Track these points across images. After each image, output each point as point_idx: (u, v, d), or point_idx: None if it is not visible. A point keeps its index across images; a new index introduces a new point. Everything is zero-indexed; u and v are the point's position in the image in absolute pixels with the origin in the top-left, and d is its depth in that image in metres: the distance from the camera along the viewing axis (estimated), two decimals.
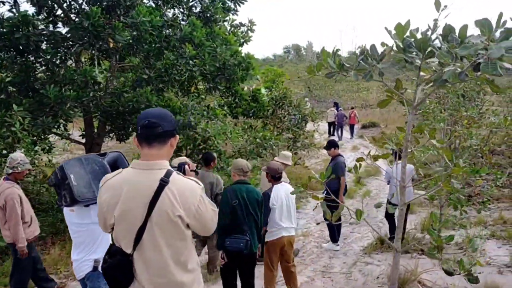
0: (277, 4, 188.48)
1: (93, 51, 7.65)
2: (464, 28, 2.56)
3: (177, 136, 2.11)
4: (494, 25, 2.19)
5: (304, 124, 13.39)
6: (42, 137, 7.95)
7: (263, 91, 12.13)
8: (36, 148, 8.82)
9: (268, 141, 8.72)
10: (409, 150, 3.49)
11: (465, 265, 2.62)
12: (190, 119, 7.67)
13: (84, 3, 8.02)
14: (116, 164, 3.59)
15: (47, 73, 7.94)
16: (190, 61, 7.27)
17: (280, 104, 12.33)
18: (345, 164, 7.15)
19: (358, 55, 2.96)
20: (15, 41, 6.61)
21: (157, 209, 1.93)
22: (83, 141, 9.24)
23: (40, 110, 7.01)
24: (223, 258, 4.51)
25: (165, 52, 7.13)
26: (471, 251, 2.76)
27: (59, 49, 7.61)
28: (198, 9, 8.88)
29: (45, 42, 7.61)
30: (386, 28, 3.10)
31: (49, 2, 7.66)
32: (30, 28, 6.71)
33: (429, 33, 2.87)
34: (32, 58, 7.61)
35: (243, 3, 9.76)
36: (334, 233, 6.96)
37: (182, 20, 8.56)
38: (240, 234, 4.39)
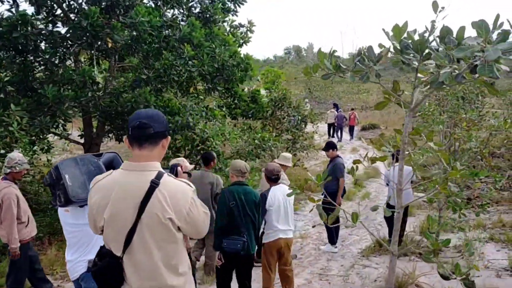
0: (277, 5, 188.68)
1: (92, 51, 7.63)
2: (462, 29, 2.54)
3: (169, 137, 2.08)
4: (491, 26, 2.16)
5: (304, 126, 13.37)
6: (41, 137, 7.94)
7: (262, 92, 12.11)
8: (35, 148, 8.82)
9: (267, 142, 8.69)
10: (406, 152, 3.46)
11: (461, 269, 2.59)
12: (189, 120, 7.64)
13: (83, 3, 8.01)
14: (112, 165, 3.57)
15: (46, 72, 7.92)
16: (189, 62, 7.25)
17: (280, 105, 12.31)
18: (344, 165, 7.13)
19: (355, 56, 2.94)
20: (13, 40, 6.59)
21: (147, 212, 1.90)
22: (82, 141, 9.22)
23: (38, 110, 6.99)
24: (220, 259, 4.50)
25: (163, 53, 7.10)
26: (467, 255, 2.72)
27: (58, 49, 7.59)
28: (198, 9, 8.86)
29: (44, 42, 7.60)
30: (383, 30, 3.08)
31: (48, 1, 7.64)
32: (28, 28, 6.68)
33: (426, 34, 2.85)
34: (31, 58, 7.58)
35: (242, 4, 9.73)
36: (333, 235, 6.94)
37: (182, 20, 8.54)
38: (237, 236, 4.39)
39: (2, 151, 6.35)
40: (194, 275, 5.00)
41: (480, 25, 2.16)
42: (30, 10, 7.67)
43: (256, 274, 5.13)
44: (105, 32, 6.86)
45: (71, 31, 7.05)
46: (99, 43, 7.38)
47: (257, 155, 8.85)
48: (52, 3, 7.79)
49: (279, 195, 4.87)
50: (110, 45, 7.06)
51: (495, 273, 5.59)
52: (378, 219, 8.43)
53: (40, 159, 9.81)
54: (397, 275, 5.20)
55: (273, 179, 4.96)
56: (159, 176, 1.93)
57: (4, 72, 7.82)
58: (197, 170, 6.74)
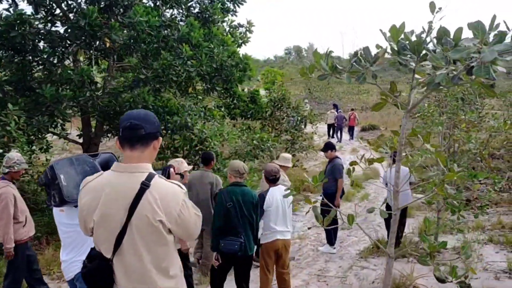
0: (277, 5, 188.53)
1: (91, 51, 7.62)
2: (459, 30, 2.52)
3: (161, 138, 2.05)
4: (487, 27, 2.14)
5: (304, 126, 13.35)
6: (39, 136, 7.92)
7: (262, 92, 12.10)
8: (34, 147, 8.81)
9: (266, 142, 8.66)
10: (404, 154, 3.44)
11: (457, 272, 2.56)
12: (187, 120, 7.63)
13: (82, 3, 8.00)
14: (108, 165, 3.52)
15: (45, 72, 7.92)
16: (188, 62, 7.23)
17: (279, 105, 12.29)
18: (343, 166, 7.11)
19: (352, 57, 2.91)
20: (11, 40, 6.58)
21: (137, 213, 1.87)
22: (81, 141, 9.22)
23: (36, 110, 6.99)
24: (217, 259, 4.49)
25: (162, 53, 7.09)
26: (464, 258, 2.70)
27: (56, 49, 7.59)
28: (197, 9, 8.85)
29: (42, 41, 7.59)
30: (381, 30, 3.05)
31: (47, 1, 7.63)
32: (26, 27, 6.67)
33: (423, 35, 2.83)
34: (30, 57, 7.58)
35: (242, 4, 9.72)
36: (331, 236, 6.92)
37: (181, 20, 8.53)
38: (234, 236, 4.38)
39: (0, 151, 6.34)
40: (191, 276, 4.99)
41: (476, 26, 2.14)
42: (29, 10, 7.69)
43: (254, 275, 5.11)
44: (103, 32, 6.85)
45: (69, 30, 7.03)
46: (98, 42, 7.38)
47: (256, 156, 8.83)
48: (51, 2, 7.78)
49: (278, 196, 4.85)
50: (108, 44, 7.05)
51: (494, 275, 5.56)
52: (377, 220, 8.40)
53: (39, 159, 9.79)
54: (395, 277, 5.18)
55: (271, 179, 4.94)
56: (149, 177, 1.91)
57: (2, 71, 7.82)
58: (196, 170, 6.73)
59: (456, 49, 2.20)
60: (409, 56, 2.85)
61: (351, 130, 20.63)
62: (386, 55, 3.05)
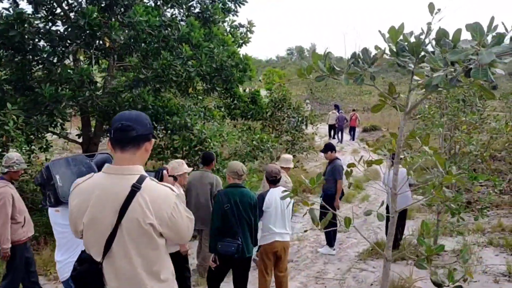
0: (278, 5, 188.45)
1: (91, 50, 7.60)
2: (458, 32, 2.49)
3: (153, 140, 2.02)
4: (485, 29, 2.11)
5: (305, 127, 13.32)
6: (39, 136, 7.91)
7: (263, 92, 12.07)
8: (33, 147, 8.80)
9: (265, 143, 8.63)
10: (402, 156, 3.41)
11: (454, 276, 2.53)
12: (187, 120, 7.61)
13: (83, 2, 7.98)
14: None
15: (45, 71, 7.91)
16: (188, 62, 7.21)
17: (279, 106, 12.26)
18: (343, 167, 7.08)
19: (349, 58, 2.89)
20: (10, 39, 6.57)
21: (127, 216, 1.84)
22: (80, 140, 9.20)
23: (35, 109, 6.97)
24: (215, 261, 4.48)
25: (162, 52, 7.07)
26: (462, 262, 2.67)
27: (56, 48, 7.57)
28: (197, 9, 8.83)
29: (42, 41, 7.58)
30: (379, 31, 3.03)
31: (47, 0, 7.63)
32: (26, 26, 6.66)
33: (422, 36, 2.80)
34: (30, 57, 7.57)
35: (243, 4, 9.69)
36: (331, 237, 6.90)
37: (181, 20, 8.51)
38: (232, 238, 4.36)
39: None
40: (189, 279, 4.98)
41: (474, 28, 2.11)
42: (30, 9, 7.68)
43: (253, 276, 5.08)
44: (103, 31, 6.83)
45: (69, 29, 7.02)
46: (98, 42, 7.36)
47: (255, 157, 8.80)
48: (52, 1, 7.77)
49: (277, 197, 4.82)
50: (108, 44, 7.03)
51: (493, 278, 5.52)
52: (376, 222, 8.36)
53: (38, 158, 9.78)
54: (393, 280, 5.15)
55: (271, 180, 4.93)
56: (140, 180, 1.88)
57: (2, 70, 7.81)
58: (196, 170, 6.71)
59: (453, 51, 2.17)
60: (407, 57, 2.82)
61: (352, 130, 20.59)
62: (385, 56, 3.03)
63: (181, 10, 8.94)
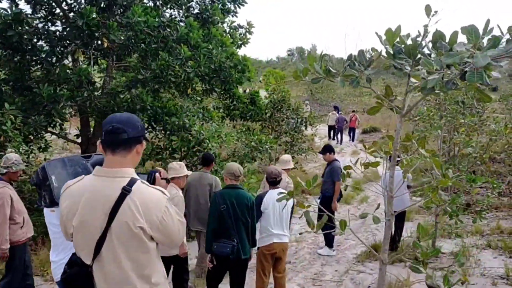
0: (278, 6, 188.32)
1: (89, 51, 7.59)
2: (454, 34, 2.47)
3: (144, 143, 2.01)
4: (481, 31, 2.10)
5: (305, 128, 13.30)
6: (38, 136, 7.90)
7: (263, 93, 12.05)
8: (32, 147, 8.79)
9: (264, 144, 8.62)
10: (401, 158, 3.40)
11: (449, 280, 2.52)
12: (185, 121, 7.59)
13: (83, 2, 7.98)
14: None
15: (44, 71, 7.90)
16: (187, 62, 7.20)
17: (279, 107, 12.25)
18: (341, 169, 7.07)
19: (345, 60, 2.88)
20: (8, 38, 6.57)
21: (117, 220, 1.83)
22: (79, 140, 9.19)
23: (33, 109, 6.96)
24: (212, 261, 4.48)
25: (160, 53, 7.06)
26: (458, 266, 2.65)
27: (55, 48, 7.56)
28: (197, 10, 8.81)
29: (41, 41, 7.57)
30: (376, 33, 3.02)
31: (46, 0, 7.62)
32: (23, 26, 6.65)
33: (419, 39, 2.78)
34: (28, 57, 7.56)
35: (243, 5, 9.68)
36: (330, 238, 6.88)
37: (180, 21, 8.50)
38: (227, 239, 4.37)
39: None
40: (186, 282, 4.97)
41: (470, 31, 2.09)
42: (29, 9, 7.67)
43: (250, 278, 5.07)
44: (101, 32, 6.82)
45: (67, 29, 7.01)
46: (96, 42, 7.35)
47: (254, 158, 8.79)
48: (51, 1, 7.76)
49: (276, 198, 4.81)
50: (106, 44, 7.02)
51: (491, 281, 5.51)
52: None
53: (37, 158, 9.77)
54: (391, 282, 5.13)
55: (271, 182, 4.93)
56: (131, 183, 1.87)
57: (1, 70, 7.80)
58: (194, 171, 6.70)
59: (449, 54, 2.16)
60: (404, 60, 2.81)
61: (351, 132, 20.58)
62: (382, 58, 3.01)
63: (180, 11, 8.92)
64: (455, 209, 3.47)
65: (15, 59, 7.42)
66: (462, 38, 2.51)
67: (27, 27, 6.81)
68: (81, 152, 9.22)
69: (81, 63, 8.34)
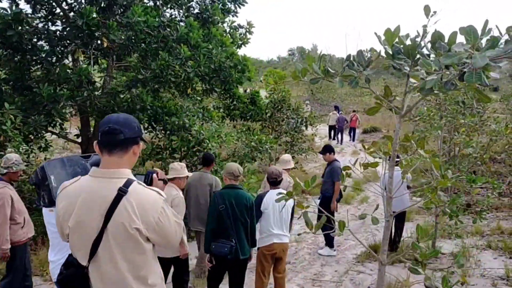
0: (279, 6, 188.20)
1: (89, 50, 7.60)
2: (453, 35, 2.46)
3: (141, 143, 2.01)
4: (479, 32, 2.09)
5: (305, 128, 13.29)
6: (38, 135, 7.90)
7: (263, 93, 12.04)
8: (32, 146, 8.79)
9: (264, 144, 8.61)
10: (401, 159, 3.39)
11: (450, 281, 2.51)
12: (185, 121, 7.59)
13: (83, 1, 7.98)
14: None
15: (44, 71, 7.91)
16: (187, 62, 7.19)
17: (279, 107, 12.24)
18: (341, 169, 7.05)
19: (344, 61, 2.87)
20: (8, 38, 6.57)
21: (113, 221, 1.82)
22: (79, 140, 9.20)
23: (33, 109, 6.97)
24: (210, 261, 4.49)
25: (160, 53, 7.06)
26: (457, 267, 2.64)
27: (55, 48, 7.57)
28: (197, 10, 8.81)
29: (41, 40, 7.57)
30: (375, 33, 3.01)
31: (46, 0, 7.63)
32: (23, 26, 6.65)
33: (418, 39, 2.78)
34: (28, 56, 7.56)
35: (243, 5, 9.67)
36: (330, 237, 6.87)
37: (180, 21, 8.49)
38: (225, 239, 4.37)
39: None
40: (186, 283, 4.97)
41: (468, 31, 2.08)
42: (29, 9, 7.67)
43: (249, 278, 5.06)
44: (101, 32, 6.82)
45: (67, 30, 7.01)
46: (96, 42, 7.35)
47: (253, 158, 8.78)
48: (51, 1, 7.76)
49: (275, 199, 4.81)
50: (106, 44, 7.02)
51: (491, 281, 5.50)
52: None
53: (38, 158, 9.77)
54: (390, 283, 5.13)
55: (271, 182, 4.93)
56: (127, 184, 1.86)
57: (2, 70, 7.80)
58: (194, 171, 6.70)
59: (447, 54, 2.15)
60: (403, 60, 2.80)
61: (352, 131, 20.58)
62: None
63: (181, 11, 8.92)
64: (455, 210, 3.44)
65: (15, 58, 7.43)
66: (461, 38, 2.50)
67: (27, 27, 6.82)
68: (81, 152, 9.22)
69: (81, 63, 8.35)
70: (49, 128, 7.98)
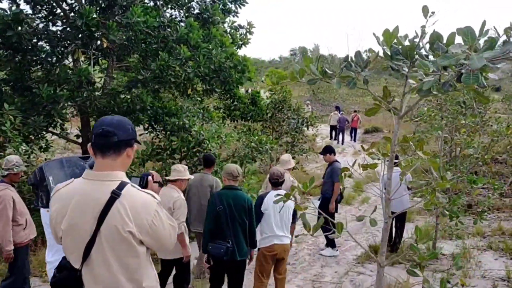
0: (280, 6, 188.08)
1: (89, 51, 7.59)
2: (452, 36, 2.45)
3: (135, 146, 1.99)
4: (477, 33, 2.07)
5: (306, 128, 13.28)
6: (38, 136, 7.90)
7: (262, 94, 12.02)
8: (32, 147, 8.80)
9: (264, 145, 8.59)
10: (396, 160, 3.38)
11: (448, 284, 2.49)
12: (185, 121, 7.58)
13: (83, 1, 7.98)
14: None
15: (44, 72, 7.91)
16: (187, 63, 7.18)
17: (279, 107, 12.22)
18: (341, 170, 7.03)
19: (342, 61, 2.85)
20: (8, 39, 6.57)
21: (106, 224, 1.81)
22: (80, 140, 9.19)
23: (33, 109, 6.97)
24: (208, 261, 4.50)
25: (160, 53, 7.05)
26: (455, 269, 2.63)
27: (55, 48, 7.57)
28: (197, 10, 8.80)
29: (42, 41, 7.57)
30: (374, 34, 2.99)
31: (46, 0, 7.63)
32: (23, 27, 6.66)
33: (416, 40, 2.76)
34: (29, 57, 7.57)
35: (243, 5, 9.66)
36: (331, 238, 6.85)
37: (181, 21, 8.49)
38: (222, 240, 4.37)
39: None
40: (188, 283, 4.97)
41: (465, 32, 2.07)
42: (29, 9, 7.68)
43: (248, 279, 5.05)
44: (101, 32, 6.81)
45: (66, 30, 7.01)
46: (96, 42, 7.35)
47: (254, 158, 8.76)
48: (51, 1, 7.76)
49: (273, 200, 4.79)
50: (105, 45, 7.01)
51: (492, 283, 5.47)
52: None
53: (38, 158, 9.78)
54: (390, 284, 5.11)
55: (273, 183, 4.93)
56: (121, 186, 1.85)
57: (2, 70, 7.81)
58: (194, 172, 6.69)
59: (444, 55, 2.13)
60: (402, 61, 2.79)
61: (353, 132, 20.56)
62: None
63: (181, 11, 8.91)
64: (456, 211, 3.43)
65: (15, 59, 7.42)
66: (460, 39, 2.49)
67: (27, 27, 6.81)
68: (81, 153, 9.22)
69: (81, 63, 8.35)
70: (50, 129, 7.98)
